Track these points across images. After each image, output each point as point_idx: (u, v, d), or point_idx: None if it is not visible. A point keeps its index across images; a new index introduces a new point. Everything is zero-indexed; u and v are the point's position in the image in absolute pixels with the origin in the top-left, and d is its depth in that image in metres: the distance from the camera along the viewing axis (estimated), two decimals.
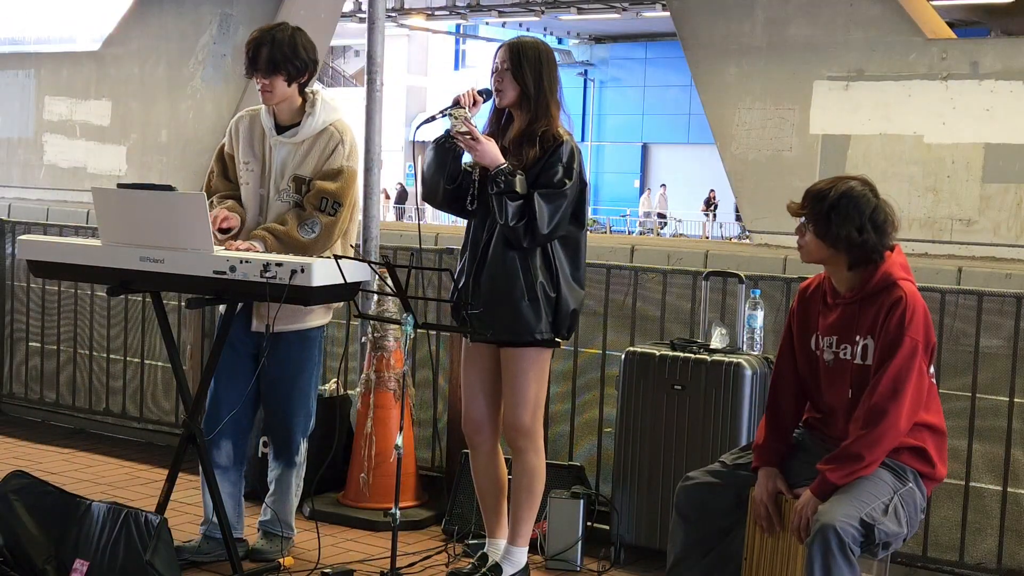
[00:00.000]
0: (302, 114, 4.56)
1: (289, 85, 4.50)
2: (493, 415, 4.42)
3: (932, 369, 3.70)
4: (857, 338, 3.62)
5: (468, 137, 4.12)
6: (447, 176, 4.23)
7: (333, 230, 4.51)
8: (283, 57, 4.45)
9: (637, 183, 38.11)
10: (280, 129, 4.58)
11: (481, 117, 4.29)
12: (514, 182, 4.10)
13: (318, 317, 4.67)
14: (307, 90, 4.60)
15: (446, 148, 4.21)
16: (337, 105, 4.66)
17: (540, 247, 4.20)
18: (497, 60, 4.27)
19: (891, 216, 3.63)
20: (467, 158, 4.27)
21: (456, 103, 4.20)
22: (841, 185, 3.62)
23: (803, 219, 3.64)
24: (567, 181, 4.15)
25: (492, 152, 4.13)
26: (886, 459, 3.56)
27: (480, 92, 4.24)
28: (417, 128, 4.43)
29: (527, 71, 4.20)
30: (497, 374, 4.36)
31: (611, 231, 32.40)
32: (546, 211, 4.11)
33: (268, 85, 4.48)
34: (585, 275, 4.39)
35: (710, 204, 34.03)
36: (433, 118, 4.33)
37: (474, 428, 4.45)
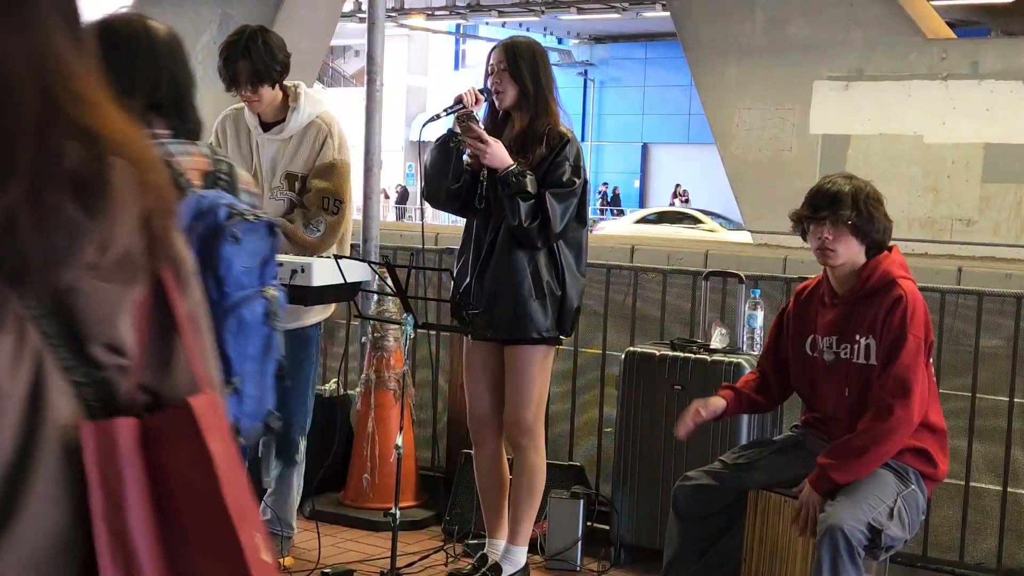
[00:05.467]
0: (285, 109, 4.53)
1: (274, 89, 4.47)
2: (497, 413, 4.42)
3: (932, 367, 3.71)
4: (858, 337, 3.62)
5: (476, 140, 4.10)
6: (451, 175, 4.22)
7: (338, 228, 4.53)
8: (265, 67, 4.38)
9: (637, 183, 38.13)
10: (265, 126, 4.56)
11: (477, 118, 4.28)
12: (525, 182, 4.09)
13: (317, 314, 4.67)
14: (287, 84, 4.55)
15: (449, 147, 4.19)
16: (321, 97, 4.63)
17: (549, 246, 4.20)
18: (493, 61, 4.25)
19: None
20: (466, 156, 4.25)
21: (459, 101, 4.19)
22: (852, 181, 3.67)
23: (833, 223, 3.61)
24: (576, 180, 4.16)
25: (500, 153, 4.12)
26: (888, 460, 3.56)
27: (481, 91, 4.23)
28: (422, 127, 4.39)
29: (524, 70, 4.19)
30: (501, 372, 4.36)
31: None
32: (558, 210, 4.12)
33: (255, 96, 4.44)
34: (585, 270, 4.40)
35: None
36: (437, 116, 4.31)
37: (479, 425, 4.46)
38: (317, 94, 4.61)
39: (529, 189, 4.09)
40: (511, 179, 4.09)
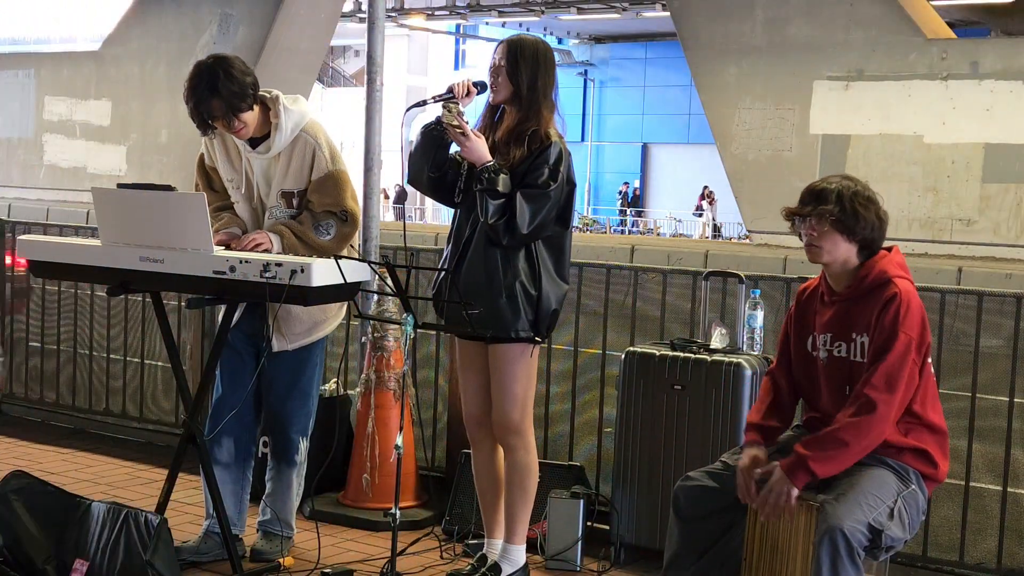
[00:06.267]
0: (268, 124, 4.50)
1: (253, 110, 4.43)
2: (489, 412, 4.41)
3: (932, 368, 3.70)
4: (853, 335, 3.62)
5: (458, 131, 4.12)
6: (432, 164, 4.23)
7: (351, 236, 4.55)
8: (238, 97, 4.34)
9: (637, 183, 38.13)
10: (252, 142, 4.53)
11: (475, 110, 4.28)
12: (497, 180, 4.10)
13: (328, 325, 4.67)
14: (262, 94, 4.49)
15: (433, 135, 4.20)
16: (301, 106, 4.56)
17: (522, 246, 4.19)
18: (496, 56, 4.26)
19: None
20: (455, 148, 4.26)
21: (450, 91, 4.20)
22: (843, 180, 3.66)
23: (817, 218, 3.61)
24: (551, 183, 4.14)
25: (480, 149, 4.14)
26: (889, 460, 3.56)
27: (475, 84, 4.24)
28: (407, 110, 4.38)
29: (522, 71, 4.19)
30: (488, 372, 4.35)
31: (611, 231, 32.41)
32: (527, 210, 4.10)
33: (240, 124, 4.41)
34: (569, 275, 4.34)
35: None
36: (424, 103, 4.32)
37: (473, 425, 4.46)
38: (295, 104, 4.54)
39: (500, 188, 4.10)
40: (484, 175, 4.11)
